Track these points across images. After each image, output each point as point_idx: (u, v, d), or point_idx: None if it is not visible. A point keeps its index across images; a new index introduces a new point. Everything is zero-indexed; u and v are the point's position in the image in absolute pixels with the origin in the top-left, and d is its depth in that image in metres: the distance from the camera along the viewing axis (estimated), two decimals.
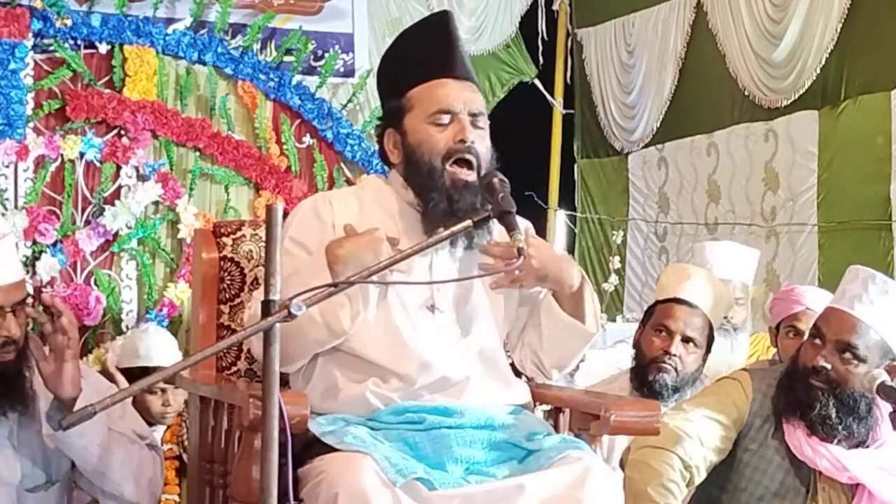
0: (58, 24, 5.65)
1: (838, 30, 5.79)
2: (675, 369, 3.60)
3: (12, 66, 5.50)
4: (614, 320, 6.32)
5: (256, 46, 6.12)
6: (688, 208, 7.07)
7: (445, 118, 2.68)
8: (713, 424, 3.09)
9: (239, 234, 3.03)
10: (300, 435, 2.39)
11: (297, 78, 6.15)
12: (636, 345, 3.73)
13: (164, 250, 5.83)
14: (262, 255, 2.85)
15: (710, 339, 3.70)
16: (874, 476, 3.07)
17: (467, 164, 2.66)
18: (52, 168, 5.64)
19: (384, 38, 6.40)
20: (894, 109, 5.59)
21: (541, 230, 7.08)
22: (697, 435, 3.06)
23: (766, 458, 3.11)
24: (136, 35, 5.81)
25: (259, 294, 2.31)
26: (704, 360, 3.69)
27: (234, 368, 2.98)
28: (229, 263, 3.00)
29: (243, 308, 2.94)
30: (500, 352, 2.78)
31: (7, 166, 5.56)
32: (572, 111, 8.01)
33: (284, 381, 2.65)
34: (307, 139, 6.18)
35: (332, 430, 2.51)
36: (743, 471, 3.12)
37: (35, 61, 5.66)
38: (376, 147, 2.99)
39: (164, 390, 4.47)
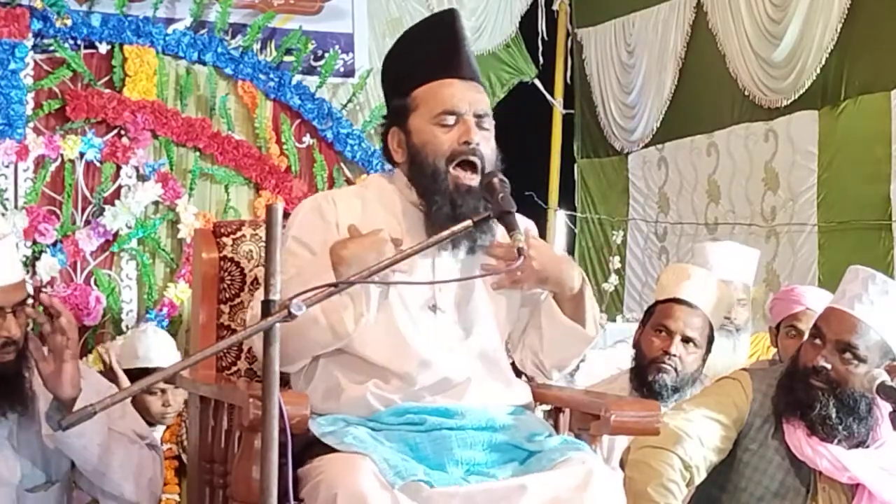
0: (58, 24, 5.65)
1: (838, 30, 5.78)
2: (675, 369, 3.60)
3: (12, 66, 5.50)
4: (614, 320, 6.31)
5: (256, 46, 6.12)
6: (688, 208, 7.06)
7: (450, 119, 2.66)
8: (713, 424, 3.09)
9: (239, 234, 3.03)
10: (300, 435, 2.38)
11: (297, 78, 6.15)
12: (636, 345, 3.73)
13: (164, 250, 5.83)
14: (263, 255, 2.85)
15: (710, 340, 3.70)
16: (874, 476, 3.06)
17: (471, 167, 2.64)
18: (52, 168, 5.64)
19: (384, 38, 6.41)
20: (894, 109, 5.58)
21: (541, 230, 7.04)
22: (697, 435, 3.06)
23: (766, 458, 3.10)
24: (136, 35, 5.81)
25: (261, 294, 2.31)
26: (704, 360, 3.69)
27: (234, 368, 2.98)
28: (229, 263, 3.00)
29: (243, 308, 2.94)
30: (502, 352, 2.77)
31: (7, 166, 5.56)
32: (572, 111, 7.99)
33: (285, 381, 2.65)
34: (307, 139, 6.18)
35: (332, 431, 2.50)
36: (743, 471, 3.12)
37: (35, 61, 5.66)
38: (379, 146, 2.98)
39: (163, 390, 4.47)
